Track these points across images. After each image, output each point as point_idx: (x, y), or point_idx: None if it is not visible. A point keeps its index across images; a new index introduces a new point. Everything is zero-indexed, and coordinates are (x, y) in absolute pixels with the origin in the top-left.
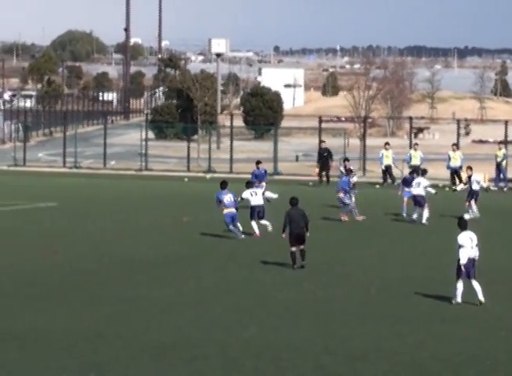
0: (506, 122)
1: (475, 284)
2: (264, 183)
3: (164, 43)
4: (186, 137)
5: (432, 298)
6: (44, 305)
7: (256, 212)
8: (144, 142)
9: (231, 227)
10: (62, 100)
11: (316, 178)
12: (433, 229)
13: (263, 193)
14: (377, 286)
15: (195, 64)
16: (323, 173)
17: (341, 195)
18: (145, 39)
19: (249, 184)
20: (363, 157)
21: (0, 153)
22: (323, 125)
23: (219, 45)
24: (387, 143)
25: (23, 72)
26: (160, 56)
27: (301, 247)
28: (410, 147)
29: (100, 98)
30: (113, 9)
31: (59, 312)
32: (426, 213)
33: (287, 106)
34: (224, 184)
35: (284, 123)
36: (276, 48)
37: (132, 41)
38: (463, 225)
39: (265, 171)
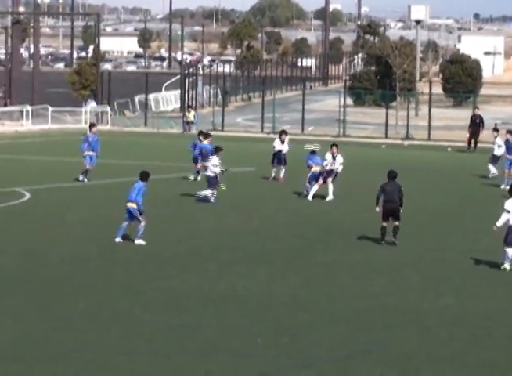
0: None
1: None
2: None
3: (364, 9)
4: (385, 104)
5: None
6: (240, 270)
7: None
8: (342, 109)
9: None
10: (261, 66)
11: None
12: None
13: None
14: None
15: (394, 31)
16: (472, 140)
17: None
18: (344, 5)
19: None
20: None
21: (199, 117)
22: None
23: (419, 12)
24: None
25: (222, 37)
26: (359, 22)
27: (396, 223)
28: None
29: (299, 64)
30: None
31: (255, 276)
32: None
33: (487, 73)
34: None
35: (483, 91)
36: (476, 16)
37: (332, 7)
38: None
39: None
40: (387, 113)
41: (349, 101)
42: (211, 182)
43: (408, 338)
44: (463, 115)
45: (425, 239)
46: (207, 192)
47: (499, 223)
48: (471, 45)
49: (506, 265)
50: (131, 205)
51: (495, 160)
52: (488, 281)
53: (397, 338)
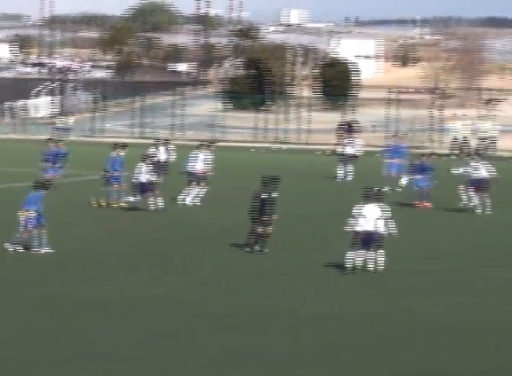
0: None
1: (371, 254)
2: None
3: (243, 14)
4: (259, 108)
5: None
6: (117, 274)
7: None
8: (217, 113)
9: None
10: (135, 71)
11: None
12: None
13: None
14: None
15: (271, 35)
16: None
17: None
18: (221, 10)
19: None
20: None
21: (74, 123)
22: (398, 96)
23: (295, 16)
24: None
25: (97, 43)
26: (235, 26)
27: (266, 229)
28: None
29: (174, 68)
30: None
31: (130, 280)
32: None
33: (362, 76)
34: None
35: (360, 93)
36: (352, 19)
37: (208, 11)
38: (367, 196)
39: None
40: (261, 117)
41: (226, 105)
42: (134, 188)
43: (279, 341)
44: (339, 118)
45: (295, 243)
46: (131, 198)
47: (357, 227)
48: (347, 49)
49: (380, 267)
50: (24, 214)
51: (345, 160)
52: (361, 283)
53: (267, 341)
